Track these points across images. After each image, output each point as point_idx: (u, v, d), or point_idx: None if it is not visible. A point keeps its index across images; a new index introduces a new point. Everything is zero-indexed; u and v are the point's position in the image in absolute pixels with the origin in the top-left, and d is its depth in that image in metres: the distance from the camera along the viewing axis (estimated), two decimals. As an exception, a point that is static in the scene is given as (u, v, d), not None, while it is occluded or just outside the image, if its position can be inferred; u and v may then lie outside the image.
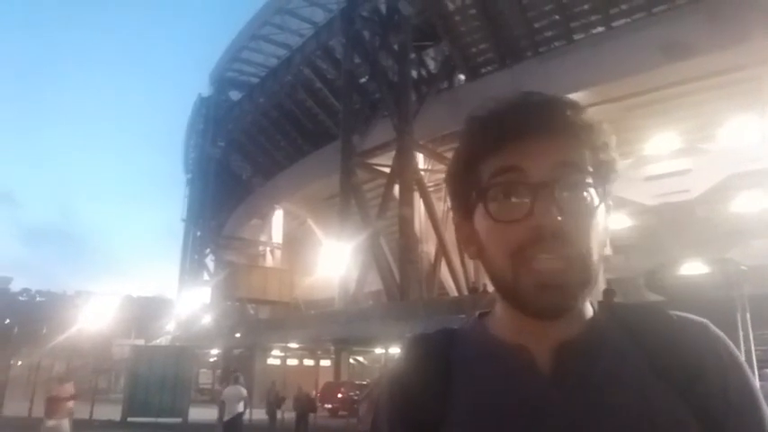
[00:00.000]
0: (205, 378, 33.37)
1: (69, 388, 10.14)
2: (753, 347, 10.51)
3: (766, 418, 0.63)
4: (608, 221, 0.66)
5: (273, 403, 14.50)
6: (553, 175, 0.61)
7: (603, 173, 0.65)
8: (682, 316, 0.69)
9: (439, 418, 0.66)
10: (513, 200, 0.62)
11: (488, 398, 0.65)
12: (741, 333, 10.47)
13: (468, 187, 0.68)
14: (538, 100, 0.66)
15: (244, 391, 11.21)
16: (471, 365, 0.69)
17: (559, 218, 0.60)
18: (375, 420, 0.74)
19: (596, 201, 0.62)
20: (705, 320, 0.68)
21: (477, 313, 0.76)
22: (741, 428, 0.62)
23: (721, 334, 0.67)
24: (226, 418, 10.71)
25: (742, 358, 0.66)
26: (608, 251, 0.65)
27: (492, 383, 0.66)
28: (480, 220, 0.66)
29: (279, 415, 15.75)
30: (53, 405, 9.43)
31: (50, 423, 9.23)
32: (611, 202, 0.67)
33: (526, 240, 0.61)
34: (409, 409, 0.68)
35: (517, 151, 0.63)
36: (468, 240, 0.70)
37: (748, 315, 11.00)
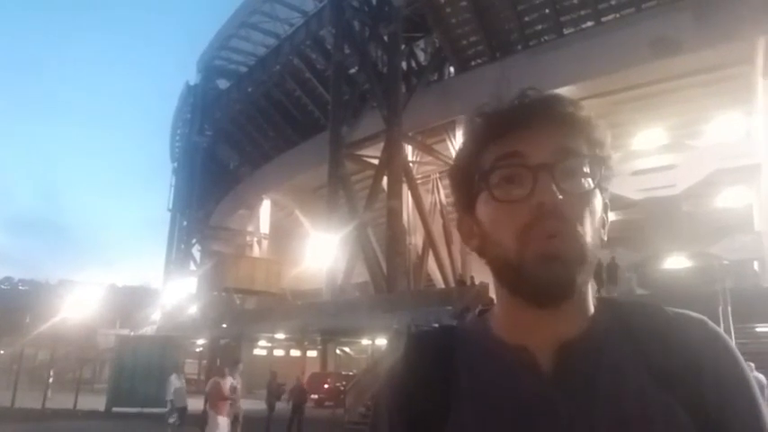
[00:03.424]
0: (191, 368, 33.24)
1: (229, 381, 9.79)
2: (734, 340, 10.70)
3: (763, 414, 0.63)
4: (606, 216, 0.68)
5: (273, 394, 14.39)
6: (553, 159, 0.63)
7: (599, 166, 0.66)
8: (680, 313, 0.69)
9: (440, 416, 0.66)
10: (515, 182, 0.64)
11: (489, 397, 0.65)
12: (723, 326, 10.66)
13: (470, 178, 0.69)
14: (539, 94, 0.68)
15: (231, 382, 11.18)
16: (473, 364, 0.69)
17: (560, 196, 0.61)
18: (375, 416, 0.74)
19: (592, 185, 0.65)
20: (703, 317, 0.69)
21: (477, 311, 0.76)
22: (738, 425, 0.62)
23: (719, 330, 0.68)
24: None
25: (739, 355, 0.66)
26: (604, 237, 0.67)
27: (493, 382, 0.66)
28: (483, 207, 0.67)
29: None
30: (219, 399, 9.03)
31: (220, 419, 8.88)
32: (608, 201, 0.69)
33: (528, 218, 0.62)
34: (410, 406, 0.68)
35: (517, 138, 0.65)
36: (470, 233, 0.71)
37: (730, 308, 11.21)
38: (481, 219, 0.68)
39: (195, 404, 12.17)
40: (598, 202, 0.66)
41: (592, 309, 0.68)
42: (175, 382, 11.83)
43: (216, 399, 9.02)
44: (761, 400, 0.64)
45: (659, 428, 0.60)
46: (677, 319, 0.68)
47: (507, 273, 0.65)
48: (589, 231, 0.63)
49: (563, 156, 0.63)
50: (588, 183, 0.64)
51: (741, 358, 0.66)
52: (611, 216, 0.71)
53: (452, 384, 0.68)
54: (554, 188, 0.61)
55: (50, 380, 21.54)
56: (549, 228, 0.61)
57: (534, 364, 0.65)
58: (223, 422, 8.96)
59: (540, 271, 0.61)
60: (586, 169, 0.65)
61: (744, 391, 0.64)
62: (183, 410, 11.56)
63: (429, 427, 0.66)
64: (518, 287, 0.65)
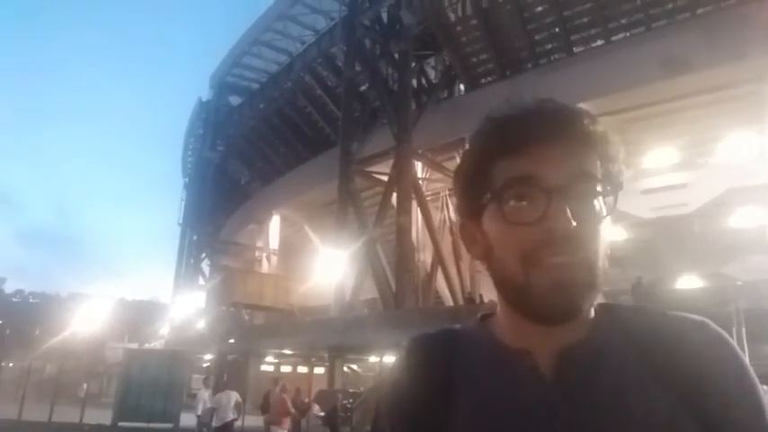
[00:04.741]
0: (198, 383, 33.15)
1: (234, 397, 10.43)
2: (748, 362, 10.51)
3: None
4: (610, 232, 0.67)
5: (300, 410, 14.20)
6: (567, 182, 0.62)
7: (612, 184, 0.66)
8: (679, 316, 0.69)
9: (441, 419, 0.66)
10: (528, 203, 0.63)
11: (491, 401, 0.65)
12: (736, 348, 10.48)
13: (479, 188, 0.68)
14: (554, 107, 0.67)
15: (236, 397, 11.13)
16: (474, 368, 0.69)
17: (573, 222, 0.61)
18: (376, 420, 0.73)
19: (605, 210, 0.64)
20: (705, 320, 0.68)
21: (479, 315, 0.76)
22: (742, 426, 0.61)
23: (722, 332, 0.67)
24: (216, 424, 10.62)
25: (743, 356, 0.66)
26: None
27: (494, 387, 0.66)
28: (491, 222, 0.67)
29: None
30: (283, 411, 9.69)
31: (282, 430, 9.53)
32: (613, 214, 0.68)
33: (538, 242, 0.61)
34: (411, 409, 0.68)
35: (532, 157, 0.64)
36: (473, 241, 0.70)
37: (744, 330, 11.02)
38: (487, 231, 0.67)
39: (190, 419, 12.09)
40: (608, 222, 0.65)
41: (592, 314, 0.68)
42: (207, 398, 11.67)
43: (281, 414, 9.40)
44: (765, 401, 0.63)
45: (661, 431, 0.60)
46: (678, 321, 0.68)
47: (513, 293, 0.65)
48: (600, 256, 0.63)
49: (578, 179, 0.63)
50: (601, 206, 0.64)
51: (744, 359, 0.66)
52: (623, 235, 0.71)
53: (453, 388, 0.67)
54: (568, 214, 0.61)
55: (82, 395, 21.34)
56: (559, 253, 0.61)
57: (536, 369, 0.65)
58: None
59: (550, 299, 0.61)
60: (600, 189, 0.64)
61: (747, 392, 0.63)
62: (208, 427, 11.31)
63: (430, 430, 0.66)
64: (524, 310, 0.65)
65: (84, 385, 23.65)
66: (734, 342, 0.67)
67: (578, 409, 0.61)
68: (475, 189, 0.68)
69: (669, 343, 0.65)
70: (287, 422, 9.66)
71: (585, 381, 0.63)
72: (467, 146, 0.74)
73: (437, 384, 0.68)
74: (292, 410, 9.96)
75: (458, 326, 0.76)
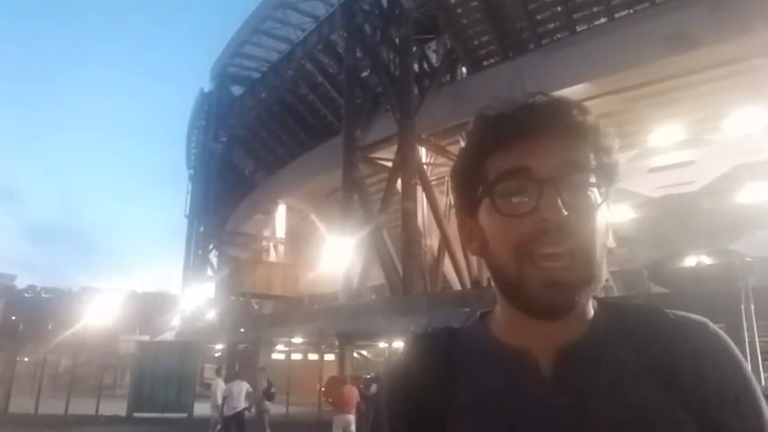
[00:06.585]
0: (210, 373, 33.50)
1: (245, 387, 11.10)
2: (757, 338, 10.50)
3: (765, 414, 0.63)
4: (609, 222, 0.67)
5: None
6: (559, 173, 0.62)
7: (606, 174, 0.66)
8: (680, 316, 0.69)
9: (440, 416, 0.66)
10: (520, 195, 0.63)
11: (490, 399, 0.65)
12: (745, 324, 10.46)
13: (473, 184, 0.68)
14: (545, 100, 0.66)
15: (247, 387, 11.26)
16: (473, 366, 0.69)
17: (565, 212, 0.60)
18: (376, 418, 0.74)
19: (599, 200, 0.64)
20: (704, 320, 0.68)
21: (478, 313, 0.76)
22: (740, 426, 0.62)
23: (720, 333, 0.67)
24: (228, 413, 10.74)
25: (741, 357, 0.66)
26: (611, 243, 0.66)
27: (494, 384, 0.66)
28: (485, 216, 0.67)
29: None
30: (346, 400, 10.53)
31: (349, 417, 10.26)
32: (611, 204, 0.68)
33: (531, 233, 0.61)
34: (410, 406, 0.69)
35: (524, 150, 0.64)
36: (471, 236, 0.70)
37: (753, 306, 10.99)
38: (483, 226, 0.67)
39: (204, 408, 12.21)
40: (604, 212, 0.65)
41: (592, 311, 0.68)
42: (222, 387, 11.64)
43: (350, 403, 10.44)
44: (762, 401, 0.64)
45: (659, 429, 0.60)
46: (677, 321, 0.68)
47: (507, 289, 0.65)
48: (596, 245, 0.63)
49: (570, 169, 0.63)
50: (595, 195, 0.64)
51: (743, 360, 0.66)
52: (630, 214, 0.71)
53: (453, 386, 0.68)
54: (559, 204, 0.61)
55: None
56: (551, 244, 0.60)
57: (535, 367, 0.65)
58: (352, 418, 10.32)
59: (544, 296, 0.61)
60: (593, 180, 0.64)
61: (745, 393, 0.63)
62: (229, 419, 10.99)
63: (430, 428, 0.66)
64: (518, 304, 0.65)
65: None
66: (732, 343, 0.67)
67: (577, 406, 0.62)
68: (470, 185, 0.69)
69: (668, 342, 0.65)
70: (354, 408, 10.58)
71: (584, 379, 0.63)
72: (462, 142, 0.74)
73: (436, 381, 0.68)
74: (358, 399, 10.86)
75: (457, 326, 0.77)
